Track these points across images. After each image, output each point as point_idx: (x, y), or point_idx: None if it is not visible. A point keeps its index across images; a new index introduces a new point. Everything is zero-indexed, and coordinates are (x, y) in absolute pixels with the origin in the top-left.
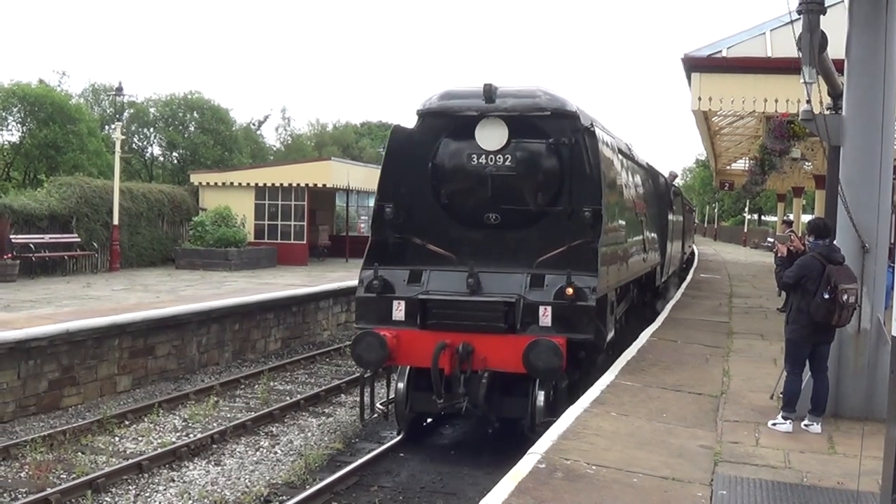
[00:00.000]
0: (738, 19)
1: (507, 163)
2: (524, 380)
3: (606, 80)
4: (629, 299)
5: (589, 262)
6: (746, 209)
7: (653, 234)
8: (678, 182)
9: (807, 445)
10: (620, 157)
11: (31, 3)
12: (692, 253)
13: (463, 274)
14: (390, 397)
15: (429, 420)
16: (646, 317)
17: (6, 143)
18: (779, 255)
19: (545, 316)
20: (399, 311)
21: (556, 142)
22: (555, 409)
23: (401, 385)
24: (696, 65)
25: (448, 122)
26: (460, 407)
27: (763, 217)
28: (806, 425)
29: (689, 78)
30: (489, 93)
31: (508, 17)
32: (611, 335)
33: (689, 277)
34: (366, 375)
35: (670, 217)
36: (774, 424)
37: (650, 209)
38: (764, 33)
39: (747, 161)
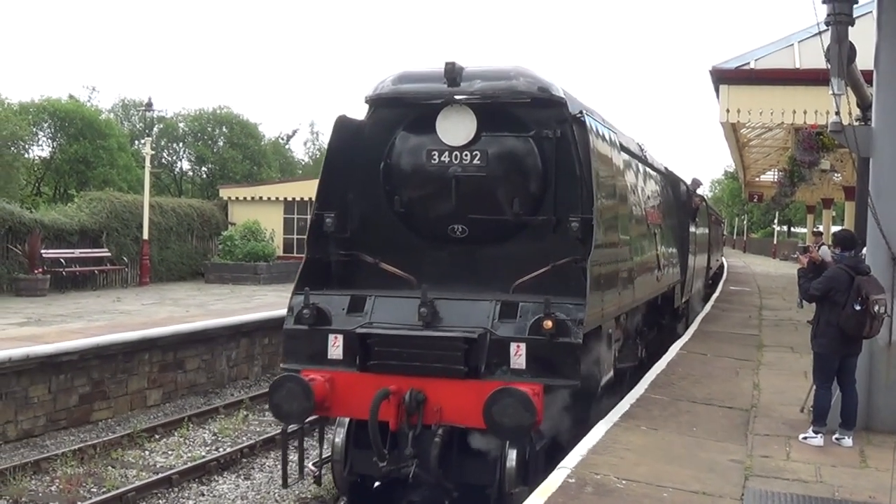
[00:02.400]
0: (766, 31)
1: (475, 161)
2: (490, 436)
3: (634, 92)
4: (636, 326)
5: (577, 285)
6: (776, 221)
7: (671, 249)
8: (704, 190)
9: (838, 459)
10: (625, 155)
11: (61, 20)
12: (721, 266)
13: (416, 301)
14: (326, 454)
15: (377, 484)
16: (662, 343)
17: (37, 158)
18: (800, 266)
19: (518, 356)
20: (336, 347)
21: (537, 135)
22: (530, 475)
23: (338, 440)
24: (724, 77)
25: (404, 111)
26: (408, 471)
27: (793, 229)
28: (837, 439)
29: (717, 90)
30: (452, 73)
31: (536, 27)
32: (608, 377)
33: (718, 290)
34: (289, 430)
35: (692, 229)
36: (805, 438)
37: (668, 220)
38: (792, 45)
39: (776, 173)
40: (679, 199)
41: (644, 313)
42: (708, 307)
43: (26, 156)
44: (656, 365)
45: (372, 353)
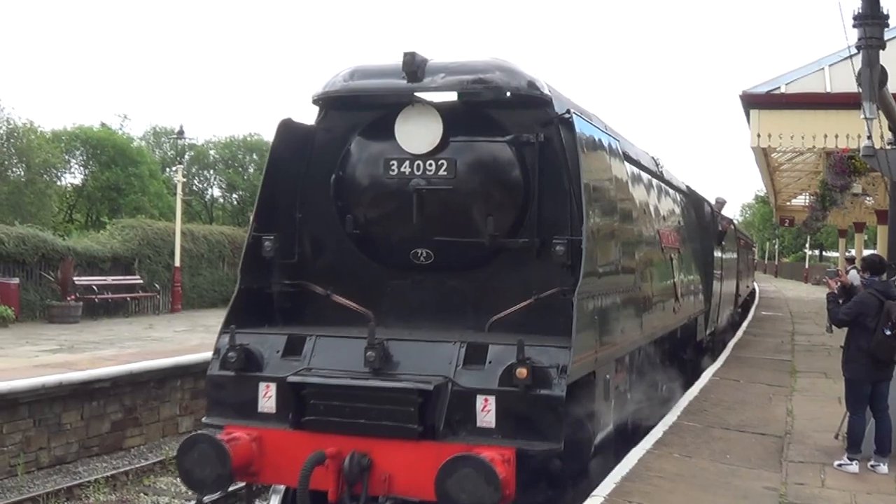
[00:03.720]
0: (796, 54)
1: (441, 172)
2: None
3: (665, 117)
4: (649, 366)
5: (566, 322)
6: (807, 245)
7: (691, 276)
8: (733, 214)
9: (874, 486)
10: (632, 167)
11: (94, 49)
12: (752, 293)
13: (364, 343)
14: None
15: None
16: (685, 381)
17: (69, 185)
18: (829, 291)
19: (486, 411)
20: (267, 398)
21: (516, 139)
22: None
23: None
24: (754, 101)
25: (361, 114)
26: None
27: (824, 253)
28: (872, 466)
29: (747, 115)
30: (412, 66)
31: (561, 49)
32: (605, 434)
33: (750, 315)
34: (204, 500)
35: (717, 253)
36: (840, 465)
37: (689, 243)
38: (823, 68)
39: (807, 197)
40: (702, 221)
41: (659, 350)
42: (740, 333)
43: (59, 183)
44: (689, 391)
45: (307, 406)
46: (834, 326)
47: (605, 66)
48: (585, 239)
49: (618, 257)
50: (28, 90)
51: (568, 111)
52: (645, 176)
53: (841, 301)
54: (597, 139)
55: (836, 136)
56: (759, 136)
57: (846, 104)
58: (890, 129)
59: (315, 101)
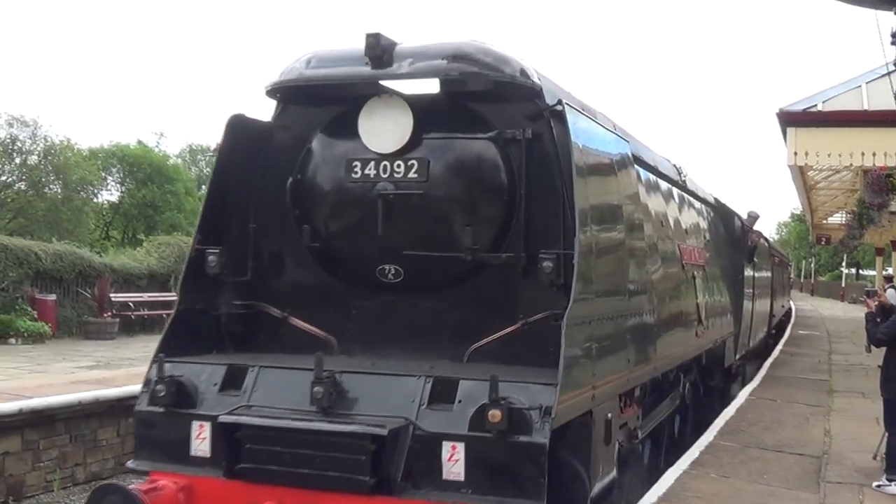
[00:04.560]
0: (833, 72)
1: (411, 174)
2: None
3: (702, 135)
4: (665, 399)
5: (558, 352)
6: (844, 263)
7: (718, 296)
8: (769, 232)
9: None
10: (646, 173)
11: (131, 68)
12: (788, 312)
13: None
14: None
15: None
16: (711, 410)
17: (106, 202)
18: (868, 310)
19: (453, 461)
20: (201, 440)
21: (500, 136)
22: None
23: None
24: (791, 119)
25: (324, 108)
26: None
27: (861, 271)
28: None
29: (784, 133)
30: (376, 50)
31: (598, 66)
32: (605, 483)
33: (786, 334)
34: None
35: (748, 272)
36: (879, 486)
37: (716, 260)
38: (860, 86)
39: (844, 215)
40: (732, 236)
41: (679, 380)
42: (776, 352)
43: (96, 200)
44: (725, 411)
45: (243, 452)
46: (873, 346)
47: (643, 84)
48: (578, 253)
49: (623, 275)
50: (66, 108)
51: (559, 102)
52: (663, 184)
53: (879, 320)
54: (597, 136)
55: (874, 154)
56: (795, 154)
57: (884, 122)
58: None
59: (269, 93)
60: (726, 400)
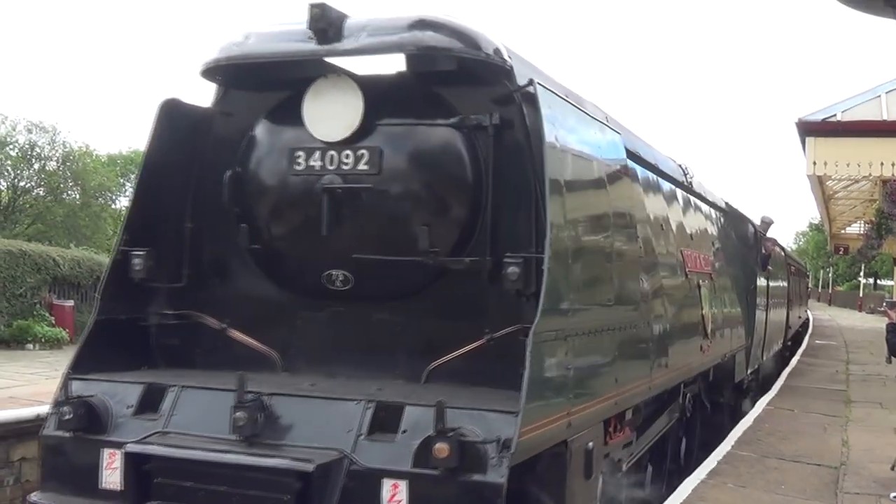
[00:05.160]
0: (851, 82)
1: (361, 166)
2: None
3: (720, 145)
4: (660, 421)
5: (520, 374)
6: (861, 273)
7: (727, 307)
8: (786, 241)
9: None
10: (643, 170)
11: (149, 73)
12: (805, 323)
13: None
14: None
15: None
16: (715, 425)
17: (124, 208)
18: (889, 321)
19: (395, 502)
20: (112, 470)
21: (464, 122)
22: None
23: None
24: (810, 129)
25: (272, 94)
26: None
27: (879, 281)
28: None
29: (803, 142)
30: (322, 22)
31: (617, 74)
32: None
33: (804, 344)
34: None
35: (762, 281)
36: None
37: (726, 268)
38: (879, 96)
39: (862, 225)
40: (744, 243)
41: (680, 399)
42: (794, 362)
43: (113, 206)
44: (742, 421)
45: (152, 487)
46: (893, 357)
47: (665, 94)
48: (549, 257)
49: (610, 284)
50: (84, 114)
51: (531, 82)
52: (665, 184)
53: None
54: (579, 124)
55: (893, 164)
56: (814, 163)
57: None
58: None
59: (204, 75)
60: (737, 417)
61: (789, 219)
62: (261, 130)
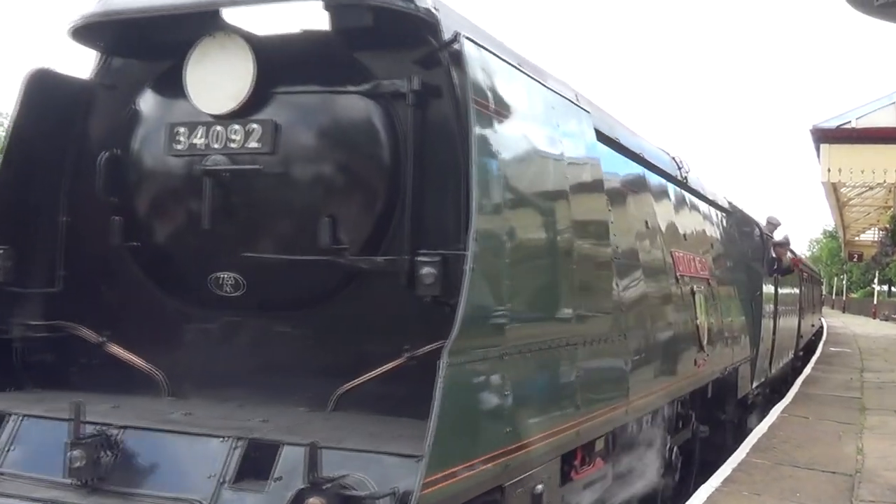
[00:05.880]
0: (866, 88)
1: (251, 143)
2: None
3: (735, 153)
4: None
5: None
6: (876, 280)
7: (728, 316)
8: (799, 248)
9: None
10: (610, 153)
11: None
12: (818, 331)
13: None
14: None
15: None
16: (716, 446)
17: None
18: None
19: None
20: None
21: (378, 90)
22: None
23: None
24: (825, 136)
25: (155, 62)
26: None
27: (893, 288)
28: None
29: (817, 149)
30: None
31: (635, 86)
32: None
33: (818, 352)
34: None
35: (769, 288)
36: None
37: (728, 273)
38: (894, 102)
39: (877, 232)
40: (749, 246)
41: (670, 422)
42: (808, 369)
43: None
44: (757, 429)
45: None
46: None
47: (682, 102)
48: (473, 255)
49: (570, 289)
50: None
51: (457, 37)
52: (653, 177)
53: None
54: (527, 95)
55: None
56: (829, 170)
57: None
58: None
59: (74, 37)
60: (742, 436)
61: (803, 226)
62: (143, 104)
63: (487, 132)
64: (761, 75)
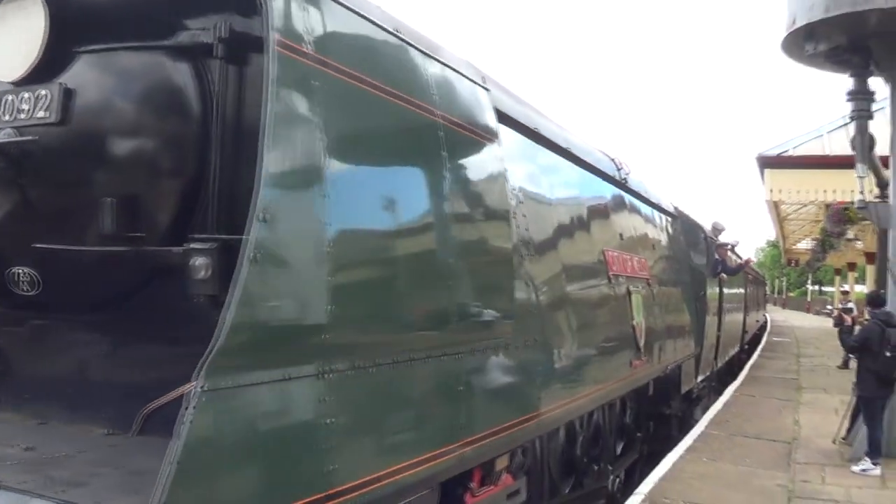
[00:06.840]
0: (803, 118)
1: (39, 113)
2: None
3: (687, 176)
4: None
5: None
6: (809, 282)
7: (669, 316)
8: (746, 252)
9: (864, 482)
10: (516, 137)
11: None
12: (762, 325)
13: None
14: None
15: None
16: (661, 439)
17: None
18: (844, 323)
19: None
20: None
21: (180, 43)
22: None
23: None
24: (768, 162)
25: None
26: None
27: (823, 288)
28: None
29: (762, 173)
30: None
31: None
32: None
33: (763, 341)
34: None
35: (713, 288)
36: (865, 470)
37: (670, 274)
38: (822, 135)
39: (810, 241)
40: (694, 249)
41: (606, 423)
42: (755, 357)
43: None
44: (714, 405)
45: None
46: (849, 355)
47: (648, 129)
48: (257, 242)
49: (442, 287)
50: None
51: None
52: (584, 174)
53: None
54: (389, 53)
55: (834, 191)
56: (771, 190)
57: (842, 164)
58: (878, 185)
59: None
60: (686, 427)
61: (751, 237)
62: None
63: (296, 79)
64: (715, 109)
